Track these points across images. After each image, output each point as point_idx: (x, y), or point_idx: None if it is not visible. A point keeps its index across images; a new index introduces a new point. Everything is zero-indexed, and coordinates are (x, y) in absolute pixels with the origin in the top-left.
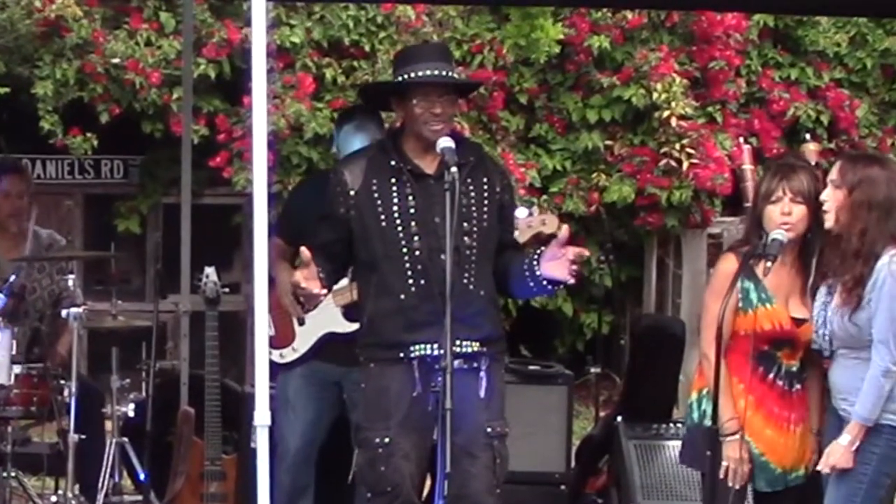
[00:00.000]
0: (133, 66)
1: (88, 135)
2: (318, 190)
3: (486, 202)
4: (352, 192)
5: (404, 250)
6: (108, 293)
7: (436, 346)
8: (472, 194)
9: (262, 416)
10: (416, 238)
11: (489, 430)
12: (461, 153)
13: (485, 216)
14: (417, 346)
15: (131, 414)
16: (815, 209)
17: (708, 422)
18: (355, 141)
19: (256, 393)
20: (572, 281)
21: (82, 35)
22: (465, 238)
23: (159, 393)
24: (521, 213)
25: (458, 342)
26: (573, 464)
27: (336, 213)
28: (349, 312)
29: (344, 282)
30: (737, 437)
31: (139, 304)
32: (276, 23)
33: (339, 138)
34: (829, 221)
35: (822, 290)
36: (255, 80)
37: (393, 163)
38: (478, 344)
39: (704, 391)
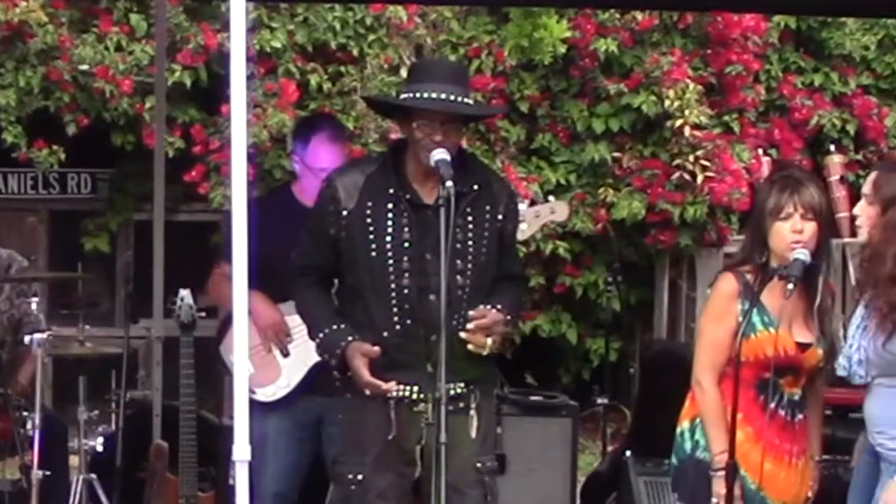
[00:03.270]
0: (102, 73)
1: (54, 147)
2: (274, 206)
3: (486, 234)
4: (344, 213)
5: (392, 286)
6: (75, 317)
7: (416, 388)
8: (471, 226)
9: (241, 450)
10: (406, 275)
11: (479, 465)
12: (465, 179)
13: (483, 250)
14: (398, 386)
15: (100, 448)
16: (824, 225)
17: (701, 453)
18: (329, 152)
19: (235, 425)
20: (484, 352)
21: (47, 40)
22: (458, 277)
23: (130, 425)
24: (521, 206)
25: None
26: (578, 502)
27: (326, 232)
28: None
29: None
30: (717, 474)
31: (108, 330)
32: (256, 25)
33: (309, 149)
34: (861, 236)
35: (860, 311)
36: (234, 88)
37: (392, 190)
38: (463, 385)
39: (698, 420)
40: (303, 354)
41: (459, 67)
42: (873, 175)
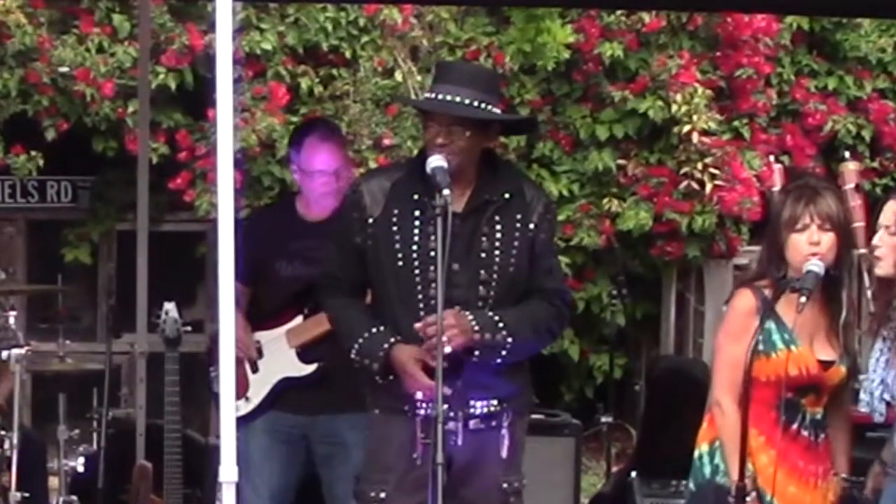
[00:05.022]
0: (83, 76)
1: (33, 153)
2: (274, 219)
3: (515, 244)
4: (370, 220)
5: (419, 296)
6: (55, 332)
7: (445, 406)
8: (499, 235)
9: (228, 471)
10: (433, 285)
11: (505, 485)
12: (495, 187)
13: (511, 261)
14: (425, 404)
15: (81, 469)
16: (844, 236)
17: (721, 478)
18: (321, 153)
19: (222, 445)
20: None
21: (25, 41)
22: (481, 288)
23: (112, 445)
24: None
25: (472, 403)
26: None
27: (352, 240)
28: (305, 354)
29: (299, 319)
30: (746, 499)
31: (90, 345)
32: (244, 26)
33: (301, 153)
34: (881, 269)
35: (878, 344)
36: (221, 91)
37: (418, 196)
38: (496, 402)
39: (717, 443)
40: (269, 372)
41: (482, 72)
42: None
